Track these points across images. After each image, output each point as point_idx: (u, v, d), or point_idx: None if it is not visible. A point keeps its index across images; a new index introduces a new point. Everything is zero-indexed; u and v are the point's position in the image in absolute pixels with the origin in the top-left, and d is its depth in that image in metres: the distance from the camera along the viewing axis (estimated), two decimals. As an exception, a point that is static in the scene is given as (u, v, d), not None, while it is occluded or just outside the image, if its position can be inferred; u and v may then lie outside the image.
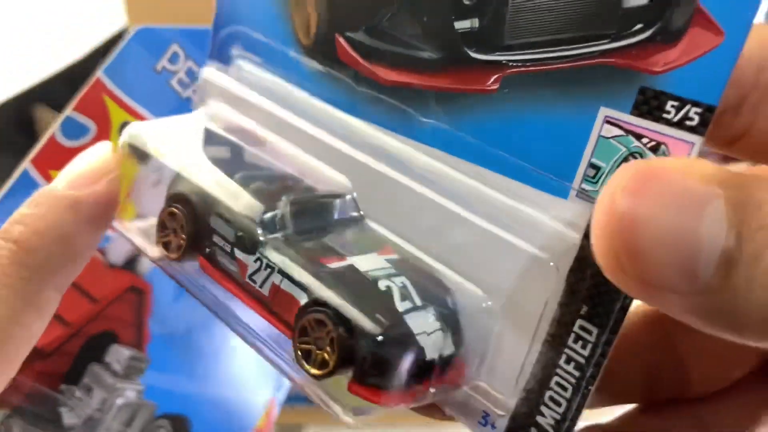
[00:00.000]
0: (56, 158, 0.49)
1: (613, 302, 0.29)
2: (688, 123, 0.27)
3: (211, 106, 0.42)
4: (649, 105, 0.28)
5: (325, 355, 0.31)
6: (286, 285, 0.33)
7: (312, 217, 0.35)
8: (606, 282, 0.28)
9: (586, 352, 0.30)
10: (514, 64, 0.31)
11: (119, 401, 0.53)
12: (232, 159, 0.40)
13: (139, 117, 0.53)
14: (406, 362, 0.30)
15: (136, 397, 0.53)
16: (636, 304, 0.34)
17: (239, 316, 0.36)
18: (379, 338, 0.29)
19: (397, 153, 0.35)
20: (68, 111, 0.50)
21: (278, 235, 0.34)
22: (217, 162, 0.39)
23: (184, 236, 0.37)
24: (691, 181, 0.25)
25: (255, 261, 0.34)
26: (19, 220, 0.38)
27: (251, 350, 0.52)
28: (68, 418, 0.53)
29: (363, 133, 0.36)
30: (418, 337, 0.30)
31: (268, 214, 0.34)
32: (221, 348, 0.54)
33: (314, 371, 0.31)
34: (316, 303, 0.31)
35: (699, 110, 0.26)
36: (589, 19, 0.29)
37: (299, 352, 0.32)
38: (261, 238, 0.34)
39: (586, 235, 0.29)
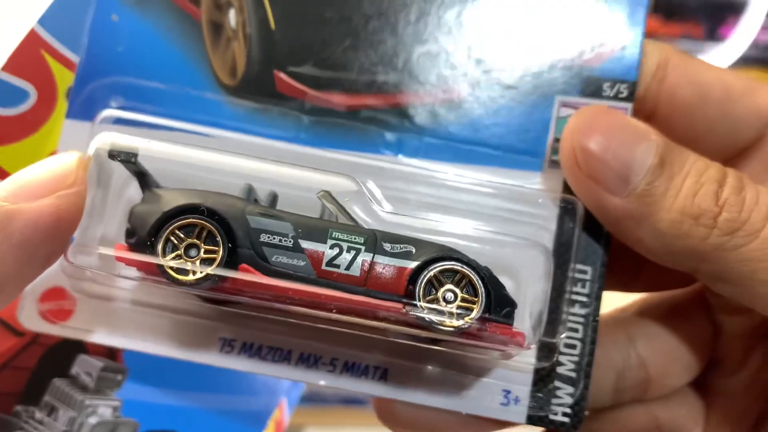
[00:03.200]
0: None
1: (599, 240, 0.38)
2: (620, 95, 0.38)
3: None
4: (592, 88, 0.38)
5: (462, 303, 0.34)
6: (382, 259, 0.33)
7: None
8: (589, 225, 0.37)
9: (586, 290, 0.38)
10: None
11: (92, 420, 0.43)
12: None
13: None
14: None
15: (112, 415, 0.44)
16: (601, 314, 0.42)
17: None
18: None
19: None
20: (-4, 72, 0.35)
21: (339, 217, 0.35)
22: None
23: (218, 248, 0.33)
24: (636, 123, 0.36)
25: (332, 247, 0.33)
26: None
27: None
28: (26, 444, 0.40)
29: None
30: None
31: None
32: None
33: (452, 323, 0.33)
34: (432, 262, 0.34)
35: (626, 86, 0.38)
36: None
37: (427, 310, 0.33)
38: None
39: (565, 188, 0.38)
